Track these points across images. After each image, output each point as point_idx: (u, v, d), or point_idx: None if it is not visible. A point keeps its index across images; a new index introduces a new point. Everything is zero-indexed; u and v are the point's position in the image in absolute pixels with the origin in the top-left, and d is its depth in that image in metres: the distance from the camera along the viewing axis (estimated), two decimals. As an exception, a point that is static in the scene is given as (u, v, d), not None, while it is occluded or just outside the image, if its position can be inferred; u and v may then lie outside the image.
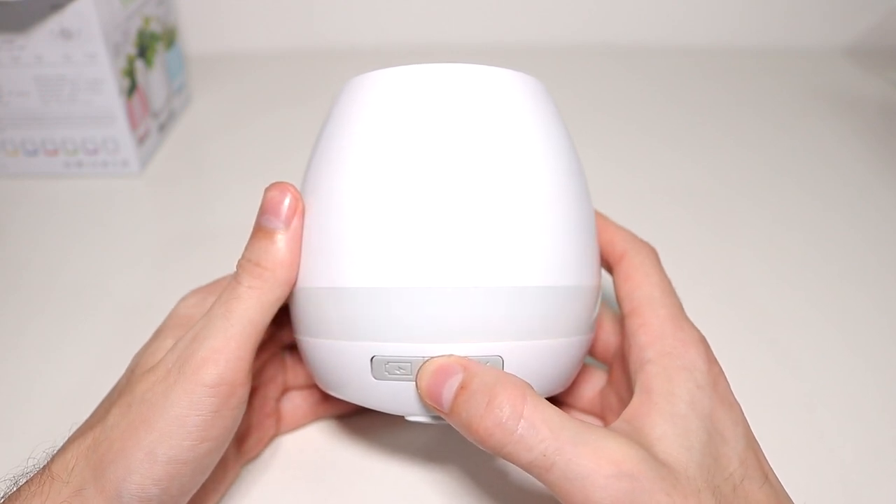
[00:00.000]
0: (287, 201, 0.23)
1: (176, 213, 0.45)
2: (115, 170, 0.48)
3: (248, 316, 0.22)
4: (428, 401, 0.22)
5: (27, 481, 0.21)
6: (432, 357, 0.22)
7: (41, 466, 0.22)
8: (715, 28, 0.67)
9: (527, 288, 0.22)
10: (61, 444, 0.23)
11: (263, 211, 0.23)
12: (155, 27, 0.51)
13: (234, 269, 0.23)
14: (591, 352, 0.29)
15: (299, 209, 0.23)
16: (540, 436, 0.19)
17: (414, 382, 0.22)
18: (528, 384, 0.21)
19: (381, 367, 0.22)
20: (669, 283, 0.25)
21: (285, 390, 0.30)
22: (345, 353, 0.23)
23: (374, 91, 0.24)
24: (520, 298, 0.22)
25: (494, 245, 0.22)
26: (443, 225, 0.22)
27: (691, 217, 0.44)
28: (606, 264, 0.27)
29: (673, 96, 0.58)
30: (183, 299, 0.26)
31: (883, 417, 0.31)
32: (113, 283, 0.39)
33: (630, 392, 0.24)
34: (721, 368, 0.23)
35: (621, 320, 0.26)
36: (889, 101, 0.57)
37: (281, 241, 0.23)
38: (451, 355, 0.22)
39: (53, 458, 0.22)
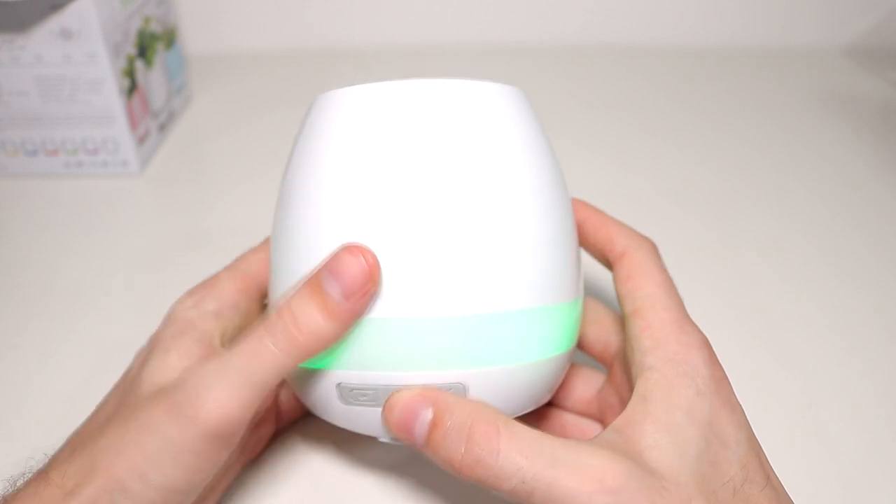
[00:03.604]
0: (360, 273, 0.21)
1: (176, 213, 0.45)
2: (115, 170, 0.48)
3: (264, 379, 0.21)
4: (399, 437, 0.22)
5: (24, 484, 0.21)
6: (396, 387, 0.22)
7: (39, 469, 0.22)
8: (715, 28, 0.67)
9: (484, 315, 0.22)
10: (60, 445, 0.23)
11: (330, 271, 0.21)
12: (155, 27, 0.51)
13: (269, 299, 0.23)
14: (591, 352, 0.29)
15: (370, 290, 0.21)
16: (517, 465, 0.20)
17: (381, 409, 0.22)
18: (498, 412, 0.21)
19: (347, 394, 0.23)
20: (671, 281, 0.25)
21: (282, 382, 0.30)
22: (313, 378, 0.23)
23: (341, 113, 0.23)
24: (478, 326, 0.22)
25: (450, 275, 0.22)
26: (399, 258, 0.22)
27: (691, 217, 0.44)
28: (606, 261, 0.27)
29: (673, 96, 0.58)
30: (179, 302, 0.26)
31: (883, 418, 0.31)
32: (113, 283, 0.39)
33: (631, 391, 0.24)
34: (724, 372, 0.23)
35: (622, 320, 0.26)
36: (889, 101, 0.57)
37: (335, 316, 0.21)
38: (415, 389, 0.22)
39: (51, 462, 0.22)
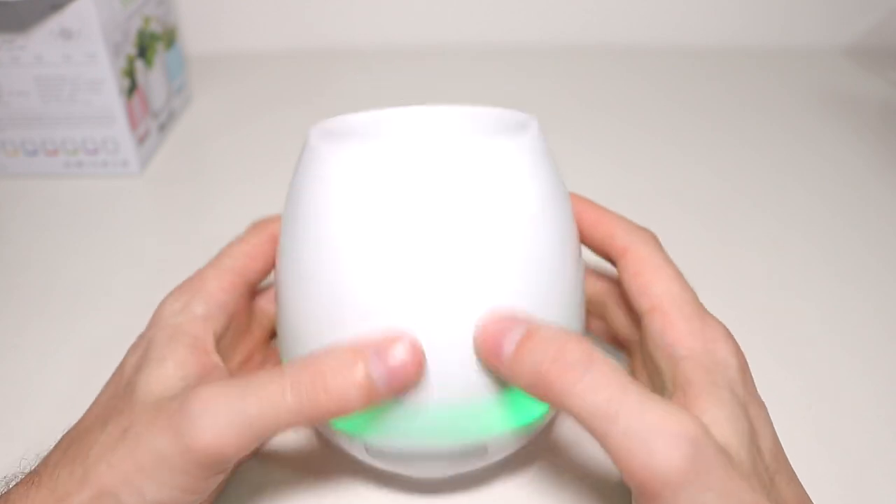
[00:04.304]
0: (408, 370, 0.21)
1: (176, 213, 0.45)
2: (115, 170, 0.48)
3: (272, 429, 0.20)
4: (483, 351, 0.21)
5: (17, 484, 0.21)
6: (425, 451, 0.23)
7: (31, 470, 0.22)
8: (715, 28, 0.67)
9: (503, 392, 0.22)
10: (53, 446, 0.23)
11: (380, 357, 0.20)
12: (155, 27, 0.51)
13: (282, 344, 0.22)
14: (607, 339, 0.30)
15: (412, 385, 0.21)
16: (609, 384, 0.19)
17: (408, 462, 0.23)
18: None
19: (375, 451, 0.24)
20: (680, 272, 0.25)
21: None
22: (338, 433, 0.24)
23: (353, 176, 0.21)
24: (498, 401, 0.22)
25: (477, 362, 0.22)
26: (434, 346, 0.21)
27: (691, 217, 0.44)
28: (607, 257, 0.27)
29: (673, 96, 0.58)
30: (166, 304, 0.25)
31: (883, 417, 0.31)
32: (113, 283, 0.39)
33: (655, 384, 0.24)
34: (748, 365, 0.23)
35: (631, 312, 0.26)
36: (889, 101, 0.57)
37: (369, 398, 0.20)
38: (512, 310, 0.21)
39: (42, 463, 0.22)
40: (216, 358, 0.24)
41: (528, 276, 0.22)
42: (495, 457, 0.25)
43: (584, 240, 0.27)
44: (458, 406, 0.22)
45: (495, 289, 0.21)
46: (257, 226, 0.28)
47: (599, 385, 0.19)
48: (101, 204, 0.46)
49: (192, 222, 0.44)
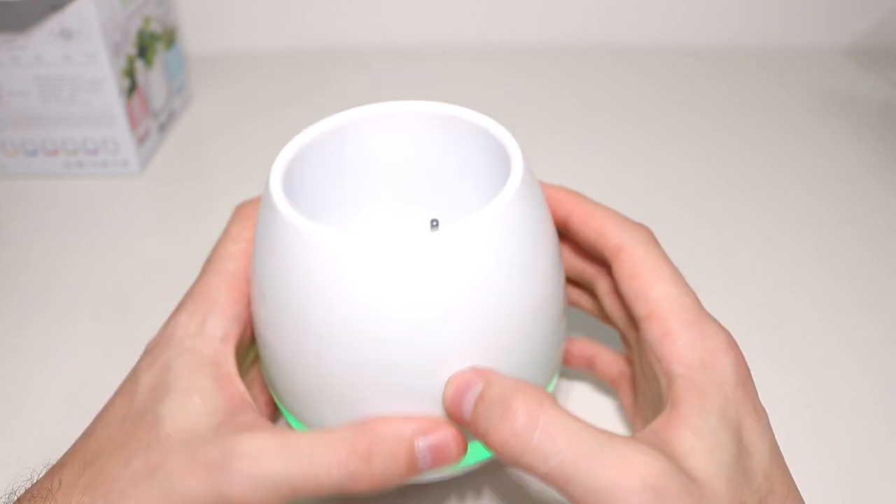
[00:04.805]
0: (451, 457, 0.21)
1: (176, 213, 0.45)
2: (115, 170, 0.48)
3: (313, 492, 0.21)
4: (450, 413, 0.22)
5: (24, 494, 0.21)
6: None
7: (44, 485, 0.21)
8: (715, 28, 0.67)
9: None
10: (64, 458, 0.22)
11: (428, 441, 0.21)
12: (155, 27, 0.51)
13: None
14: (597, 373, 0.30)
15: (450, 464, 0.22)
16: (557, 446, 0.19)
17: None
18: (546, 393, 0.21)
19: None
20: (679, 273, 0.24)
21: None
22: None
23: (316, 257, 0.21)
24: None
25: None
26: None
27: (691, 216, 0.44)
28: (600, 256, 0.26)
29: (673, 96, 0.58)
30: (178, 322, 0.24)
31: (881, 415, 0.31)
32: (113, 283, 0.39)
33: (646, 401, 0.24)
34: (750, 375, 0.22)
35: (628, 309, 0.25)
36: (889, 101, 0.57)
37: (410, 476, 0.21)
38: (473, 367, 0.22)
39: (56, 480, 0.21)
40: (241, 387, 0.23)
41: (497, 333, 0.22)
42: (470, 469, 0.25)
43: (575, 238, 0.26)
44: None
45: (465, 349, 0.22)
46: (241, 217, 0.27)
47: (549, 449, 0.19)
48: (101, 204, 0.46)
49: (192, 222, 0.44)
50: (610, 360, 0.29)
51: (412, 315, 0.21)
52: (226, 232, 0.27)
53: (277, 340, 0.23)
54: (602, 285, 0.27)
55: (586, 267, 0.28)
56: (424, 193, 0.29)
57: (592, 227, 0.25)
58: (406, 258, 0.20)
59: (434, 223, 0.29)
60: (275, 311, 0.23)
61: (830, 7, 0.65)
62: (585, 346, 0.30)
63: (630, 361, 0.28)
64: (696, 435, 0.20)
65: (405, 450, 0.21)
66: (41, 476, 0.22)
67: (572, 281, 0.29)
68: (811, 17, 0.66)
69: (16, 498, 0.21)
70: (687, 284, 0.24)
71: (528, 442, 0.19)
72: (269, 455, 0.20)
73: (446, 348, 0.21)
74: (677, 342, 0.22)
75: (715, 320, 0.23)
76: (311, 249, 0.21)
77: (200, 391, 0.22)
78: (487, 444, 0.20)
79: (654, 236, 0.25)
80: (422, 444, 0.21)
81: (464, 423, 0.21)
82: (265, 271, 0.23)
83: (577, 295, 0.30)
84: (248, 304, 0.25)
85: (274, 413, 0.29)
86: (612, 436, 0.19)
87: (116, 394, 0.24)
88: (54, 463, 0.22)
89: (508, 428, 0.19)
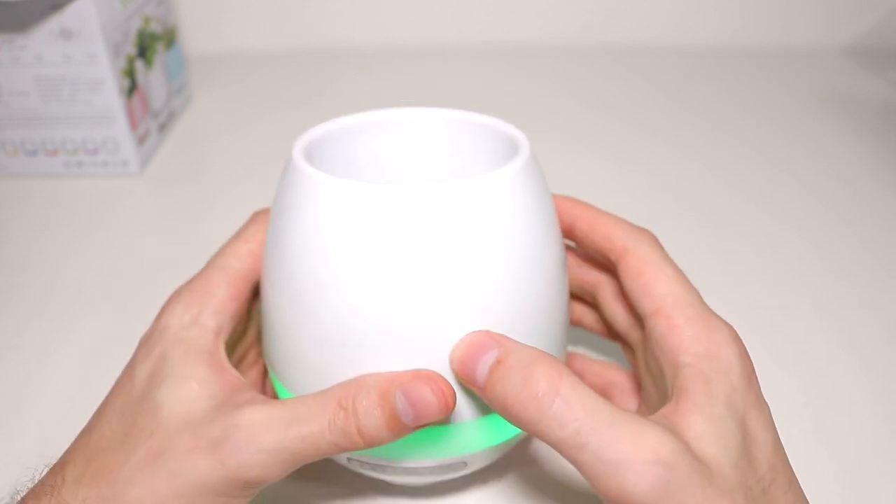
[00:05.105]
0: (435, 409, 0.21)
1: (176, 213, 0.45)
2: (115, 170, 0.48)
3: (313, 455, 0.21)
4: (460, 376, 0.22)
5: (31, 498, 0.21)
6: (405, 465, 0.23)
7: (47, 481, 0.21)
8: (715, 28, 0.67)
9: (482, 418, 0.23)
10: (66, 454, 0.22)
11: (408, 399, 0.21)
12: (155, 27, 0.51)
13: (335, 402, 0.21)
14: (601, 332, 0.30)
15: (440, 419, 0.21)
16: (575, 414, 0.19)
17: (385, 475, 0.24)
18: (563, 364, 0.21)
19: (356, 461, 0.24)
20: (681, 271, 0.25)
21: None
22: None
23: (331, 209, 0.22)
24: (478, 425, 0.23)
25: (460, 391, 0.22)
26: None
27: (691, 216, 0.44)
28: (606, 259, 0.26)
29: (673, 96, 0.58)
30: (173, 312, 0.24)
31: (881, 415, 0.31)
32: (113, 283, 0.39)
33: (651, 402, 0.24)
34: (753, 367, 0.23)
35: (632, 311, 0.26)
36: (889, 101, 0.57)
37: (398, 434, 0.21)
38: (486, 331, 0.22)
39: (61, 476, 0.21)
40: (235, 372, 0.24)
41: (505, 300, 0.22)
42: (474, 468, 0.25)
43: (581, 244, 0.27)
44: (440, 427, 0.23)
45: (472, 313, 0.22)
46: (257, 221, 0.27)
47: (567, 416, 0.19)
48: (101, 204, 0.46)
49: (192, 222, 0.44)
50: (597, 371, 0.29)
51: (422, 268, 0.21)
52: (239, 232, 0.27)
53: (285, 299, 0.23)
54: (605, 291, 0.28)
55: (588, 275, 0.29)
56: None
57: (598, 231, 0.26)
58: (417, 207, 0.21)
59: None
60: (283, 264, 0.23)
61: (830, 7, 0.65)
62: (573, 362, 0.30)
63: (622, 371, 0.29)
64: (705, 421, 0.21)
65: (388, 402, 0.21)
66: (43, 475, 0.22)
67: (573, 296, 0.30)
68: (811, 17, 0.66)
69: (19, 497, 0.21)
70: (691, 284, 0.25)
71: (547, 408, 0.19)
72: (267, 424, 0.21)
73: (459, 305, 0.21)
74: (683, 334, 0.23)
75: (719, 316, 0.24)
76: (322, 198, 0.21)
77: (197, 377, 0.22)
78: (502, 408, 0.20)
79: (658, 240, 0.26)
80: (401, 395, 0.21)
81: (472, 385, 0.21)
82: (277, 227, 0.23)
83: (579, 312, 0.30)
84: (245, 303, 0.26)
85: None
86: (628, 413, 0.20)
87: (114, 387, 0.24)
88: (55, 462, 0.22)
89: (529, 393, 0.20)
